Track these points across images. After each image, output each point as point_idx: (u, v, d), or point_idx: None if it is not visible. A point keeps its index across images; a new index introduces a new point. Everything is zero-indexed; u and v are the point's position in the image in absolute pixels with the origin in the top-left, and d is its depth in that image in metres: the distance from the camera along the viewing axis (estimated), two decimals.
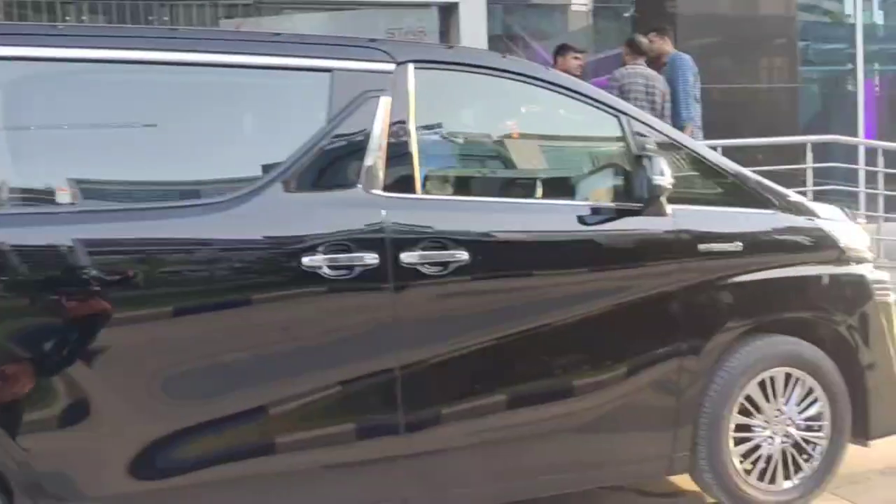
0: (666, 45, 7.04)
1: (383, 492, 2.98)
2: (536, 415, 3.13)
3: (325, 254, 2.80)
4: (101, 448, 2.63)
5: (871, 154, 8.52)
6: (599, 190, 3.29)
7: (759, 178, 3.59)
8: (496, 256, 3.06)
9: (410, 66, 3.05)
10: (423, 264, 2.91)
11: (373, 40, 3.08)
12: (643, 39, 6.83)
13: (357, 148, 2.93)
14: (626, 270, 3.25)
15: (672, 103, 6.90)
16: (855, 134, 9.59)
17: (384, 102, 2.98)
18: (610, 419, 3.24)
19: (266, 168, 2.87)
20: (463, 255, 2.95)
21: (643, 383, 3.26)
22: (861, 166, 7.73)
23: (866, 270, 3.64)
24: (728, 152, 7.16)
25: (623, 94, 6.55)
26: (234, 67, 2.94)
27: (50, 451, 2.59)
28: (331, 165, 2.93)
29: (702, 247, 3.31)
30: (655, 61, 7.16)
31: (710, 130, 7.40)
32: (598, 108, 3.29)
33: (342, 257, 2.81)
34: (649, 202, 3.18)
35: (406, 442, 2.94)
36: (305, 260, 2.78)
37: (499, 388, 3.09)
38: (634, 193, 3.17)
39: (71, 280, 2.59)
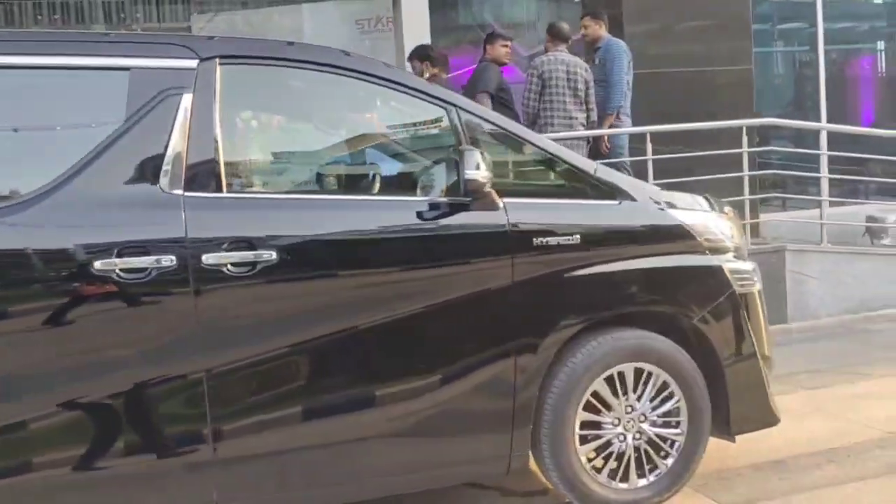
0: (600, 30, 6.90)
1: (191, 499, 2.92)
2: (358, 418, 3.04)
3: (118, 257, 2.73)
4: None
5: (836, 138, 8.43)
6: (430, 184, 3.20)
7: (609, 169, 3.48)
8: (309, 256, 2.97)
9: (216, 62, 2.97)
10: (226, 265, 2.84)
11: (181, 36, 3.01)
12: (564, 25, 6.70)
13: (156, 147, 2.85)
14: (454, 267, 3.14)
15: (605, 89, 6.78)
16: (817, 116, 9.40)
17: (185, 100, 2.90)
18: (441, 421, 3.14)
19: (59, 170, 2.81)
20: (271, 255, 2.87)
21: (475, 383, 3.16)
22: (802, 150, 7.54)
23: (724, 261, 3.52)
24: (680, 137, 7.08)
25: (543, 81, 6.43)
26: (31, 69, 2.88)
27: None
28: (127, 166, 2.85)
29: (536, 240, 3.21)
30: (589, 46, 7.03)
31: (661, 117, 7.27)
32: (428, 101, 3.20)
33: (135, 260, 2.74)
34: (475, 196, 3.08)
35: (214, 449, 2.87)
36: (98, 264, 2.71)
37: (318, 392, 3.01)
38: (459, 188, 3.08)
39: None
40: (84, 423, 2.79)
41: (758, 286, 3.64)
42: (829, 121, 9.36)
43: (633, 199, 3.41)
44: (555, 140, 6.25)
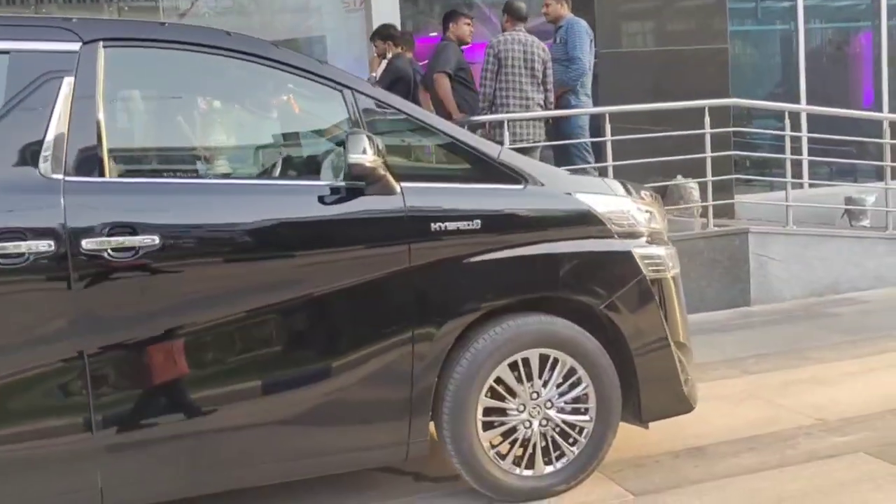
0: (562, 9, 6.80)
1: (77, 485, 2.90)
2: (251, 404, 3.01)
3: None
4: None
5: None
6: (325, 168, 3.16)
7: (512, 153, 3.42)
8: (194, 240, 2.94)
9: (100, 45, 2.93)
10: (107, 250, 2.81)
11: (64, 19, 2.96)
12: (521, 4, 6.59)
13: (35, 131, 2.82)
14: (349, 251, 3.11)
15: (565, 66, 6.68)
16: (797, 96, 9.27)
17: (67, 83, 2.86)
18: (337, 407, 3.11)
19: None
20: (153, 240, 2.85)
21: (372, 370, 3.12)
22: (760, 130, 7.39)
23: (635, 246, 3.45)
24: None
25: (500, 61, 6.35)
26: None
27: None
28: (5, 150, 2.82)
29: (435, 226, 3.16)
30: (553, 24, 6.93)
31: (633, 97, 7.17)
32: (320, 83, 3.15)
33: (12, 245, 2.72)
34: (368, 180, 3.04)
35: (97, 436, 2.85)
36: None
37: (206, 379, 2.99)
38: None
39: None
40: None
41: (673, 272, 3.57)
42: (810, 102, 9.24)
43: (539, 184, 3.35)
44: (512, 120, 6.31)
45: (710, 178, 6.82)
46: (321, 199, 3.06)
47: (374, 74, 7.52)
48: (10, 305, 2.77)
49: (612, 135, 6.51)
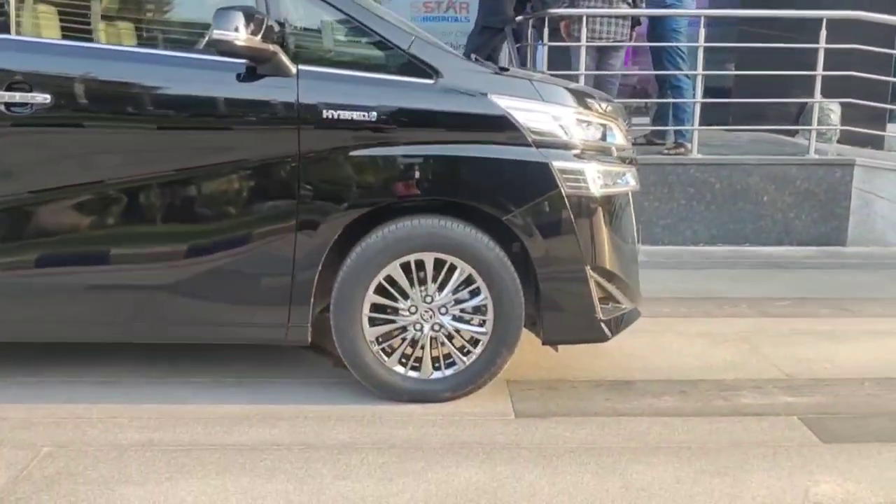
0: None
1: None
2: (144, 268, 3.19)
3: None
4: None
5: None
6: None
7: (430, 46, 3.22)
8: (83, 102, 3.07)
9: None
10: (4, 103, 3.00)
11: None
12: None
13: None
14: (235, 128, 3.14)
15: None
16: None
17: None
18: (224, 281, 3.21)
19: None
20: (45, 98, 3.01)
21: (256, 250, 3.18)
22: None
23: (555, 158, 3.20)
24: None
25: None
26: None
27: None
28: None
29: (327, 113, 3.09)
30: None
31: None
32: None
33: None
34: (258, 59, 3.01)
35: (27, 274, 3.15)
36: None
37: (100, 238, 3.18)
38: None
39: None
40: None
41: (601, 191, 3.27)
42: None
43: (451, 80, 3.17)
44: (590, 16, 5.91)
45: (818, 99, 6.09)
46: (211, 74, 3.07)
47: None
48: None
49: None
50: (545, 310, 3.31)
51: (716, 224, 6.04)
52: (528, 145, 3.19)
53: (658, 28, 6.29)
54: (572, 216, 3.23)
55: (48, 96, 3.00)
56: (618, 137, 3.46)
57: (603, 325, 3.36)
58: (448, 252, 3.23)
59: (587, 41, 5.86)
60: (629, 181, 3.49)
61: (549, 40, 6.37)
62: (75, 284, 3.19)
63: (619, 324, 3.46)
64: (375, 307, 3.26)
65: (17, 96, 2.99)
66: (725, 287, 5.16)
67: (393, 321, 3.29)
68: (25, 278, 3.17)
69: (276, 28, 3.04)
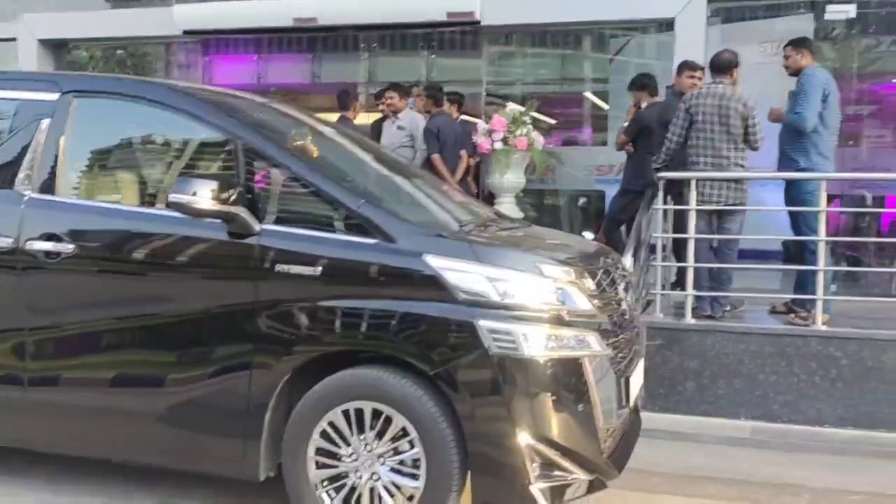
0: (802, 59, 5.90)
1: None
2: (126, 396, 3.64)
3: None
4: None
5: None
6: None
7: (374, 208, 3.45)
8: (95, 250, 3.66)
9: (71, 96, 3.82)
10: (40, 251, 3.68)
11: (53, 74, 3.90)
12: (725, 54, 5.87)
13: (19, 158, 3.82)
14: (212, 279, 3.53)
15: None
16: None
17: (45, 124, 3.81)
18: (188, 413, 3.56)
19: None
20: (70, 247, 3.65)
21: (216, 388, 3.50)
22: None
23: (483, 317, 3.23)
24: None
25: (690, 116, 5.81)
26: None
27: None
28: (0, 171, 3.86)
29: (279, 267, 3.42)
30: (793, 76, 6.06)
31: None
32: (221, 131, 3.65)
33: None
34: (225, 219, 3.44)
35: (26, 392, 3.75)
36: None
37: (97, 364, 3.69)
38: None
39: None
40: None
41: (541, 353, 3.23)
42: None
43: (391, 241, 3.37)
44: (700, 180, 5.76)
45: None
46: (193, 229, 3.54)
47: (624, 124, 7.35)
48: None
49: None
50: (473, 470, 3.28)
51: (843, 404, 5.42)
52: (455, 303, 3.28)
53: (791, 190, 5.97)
54: (500, 377, 3.23)
55: (72, 246, 3.65)
56: (576, 301, 3.42)
57: (536, 492, 3.25)
58: (385, 403, 3.34)
59: (697, 204, 5.71)
60: (590, 345, 3.41)
61: (675, 203, 6.28)
62: (77, 404, 3.71)
63: (562, 494, 3.31)
64: (320, 451, 3.43)
65: (50, 245, 3.66)
66: (813, 474, 4.61)
67: (335, 466, 3.42)
68: (48, 395, 3.75)
69: (242, 191, 3.47)
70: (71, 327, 3.71)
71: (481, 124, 7.87)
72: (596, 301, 3.56)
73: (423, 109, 8.08)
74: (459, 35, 9.85)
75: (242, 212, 3.46)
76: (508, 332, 3.25)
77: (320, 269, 3.40)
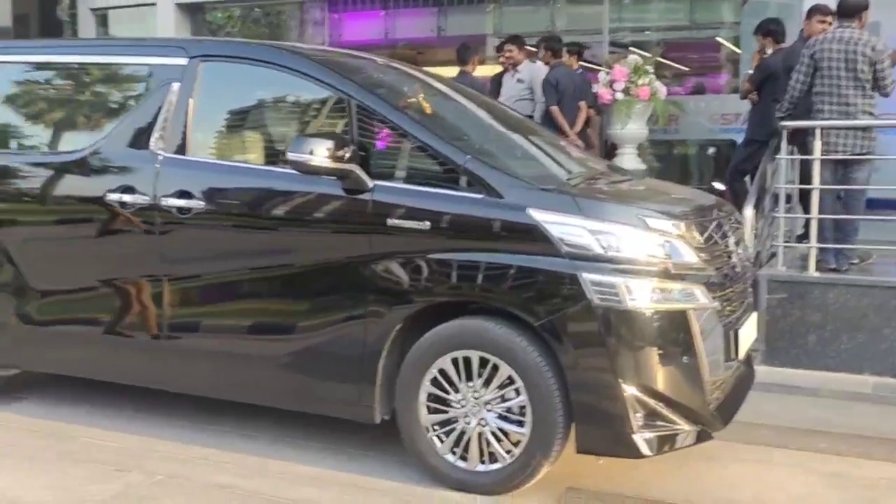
0: None
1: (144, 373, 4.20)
2: (253, 343, 3.90)
3: (120, 192, 4.07)
4: None
5: None
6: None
7: (481, 163, 3.54)
8: (224, 206, 3.91)
9: (198, 60, 4.06)
10: (174, 207, 3.97)
11: (182, 40, 4.14)
12: None
13: (152, 120, 4.09)
14: (329, 233, 3.72)
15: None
16: None
17: (175, 87, 4.07)
18: (309, 359, 3.79)
19: (97, 135, 4.26)
20: (200, 203, 3.91)
21: (333, 334, 3.71)
22: None
23: (585, 270, 3.30)
24: None
25: (815, 63, 5.56)
26: (94, 66, 4.43)
27: None
28: (135, 132, 4.14)
29: (390, 221, 3.57)
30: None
31: None
32: (334, 91, 3.82)
33: (127, 196, 4.05)
34: (338, 175, 3.61)
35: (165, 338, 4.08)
36: (108, 196, 4.09)
37: (226, 313, 3.97)
38: None
39: None
40: (99, 299, 4.23)
41: (644, 306, 3.28)
42: None
43: (497, 195, 3.45)
44: (825, 129, 5.55)
45: None
46: (311, 186, 3.73)
47: (749, 71, 7.10)
48: (125, 235, 4.10)
49: None
50: (576, 419, 3.38)
51: None
52: (561, 256, 3.36)
53: None
54: (603, 328, 3.30)
55: (203, 203, 3.91)
56: (683, 254, 3.44)
57: (640, 441, 3.32)
58: (491, 352, 3.47)
59: (822, 154, 5.51)
60: (696, 298, 3.42)
61: (800, 152, 6.07)
62: (208, 350, 4.01)
63: (666, 443, 3.37)
64: (431, 397, 3.60)
65: (183, 202, 3.93)
66: None
67: (445, 411, 3.59)
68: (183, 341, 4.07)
69: (355, 149, 3.62)
70: (201, 278, 4.00)
71: (602, 74, 7.80)
72: (704, 254, 3.56)
73: (543, 61, 8.05)
74: None
75: (356, 169, 3.62)
76: (612, 285, 3.31)
77: (428, 223, 3.53)
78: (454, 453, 3.59)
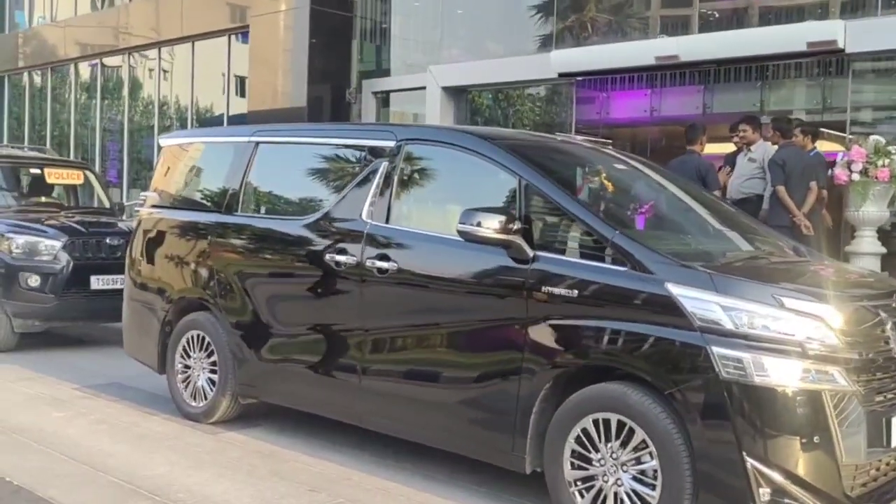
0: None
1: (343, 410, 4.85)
2: (432, 388, 4.42)
3: (335, 253, 4.82)
4: None
5: None
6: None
7: (628, 239, 3.83)
8: (414, 269, 4.50)
9: (404, 143, 4.72)
10: (374, 267, 4.63)
11: (386, 124, 4.81)
12: None
13: (364, 193, 4.80)
14: (493, 297, 4.17)
15: None
16: None
17: (384, 166, 4.76)
18: (474, 407, 4.24)
19: (324, 204, 5.05)
20: (395, 265, 4.54)
21: (492, 387, 4.15)
22: None
23: (716, 344, 3.46)
24: None
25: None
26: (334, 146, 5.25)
27: None
28: (351, 203, 4.86)
29: (545, 288, 3.95)
30: None
31: None
32: (510, 173, 4.28)
33: (341, 257, 4.78)
34: (504, 245, 4.05)
35: (360, 380, 4.71)
36: (326, 257, 4.86)
37: (408, 361, 4.55)
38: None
39: None
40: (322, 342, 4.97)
41: (775, 383, 3.37)
42: None
43: (641, 269, 3.72)
44: None
45: None
46: (485, 255, 4.18)
47: None
48: (338, 292, 4.83)
49: None
50: (699, 487, 3.51)
51: None
52: (691, 329, 3.55)
53: None
54: (729, 401, 3.43)
55: (396, 264, 4.53)
56: (820, 335, 3.49)
57: None
58: (628, 416, 3.71)
59: None
60: (834, 379, 3.45)
61: None
62: (401, 395, 4.57)
63: None
64: (575, 454, 3.88)
65: (385, 265, 4.58)
66: None
67: (587, 468, 3.85)
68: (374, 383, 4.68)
69: (521, 222, 4.06)
70: (392, 330, 4.61)
71: (840, 155, 7.63)
72: (849, 337, 3.57)
73: (771, 141, 8.01)
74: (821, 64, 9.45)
75: (518, 240, 4.05)
76: (739, 360, 3.45)
77: (576, 291, 3.88)
78: None
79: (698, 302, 3.58)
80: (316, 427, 5.38)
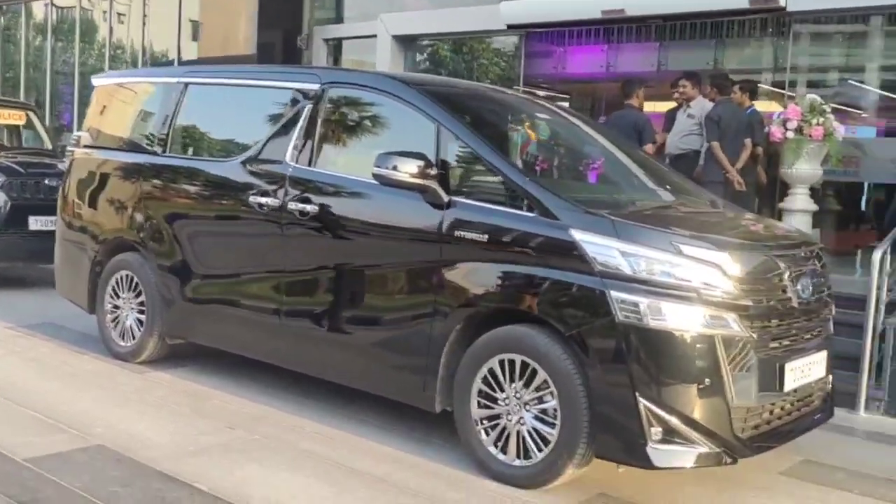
0: None
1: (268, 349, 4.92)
2: (346, 329, 4.49)
3: (259, 196, 4.84)
4: None
5: None
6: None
7: (539, 186, 3.91)
8: (334, 212, 4.54)
9: (328, 86, 4.73)
10: (295, 210, 4.66)
11: (311, 67, 4.82)
12: None
13: (289, 136, 4.81)
14: (409, 241, 4.23)
15: None
16: None
17: (308, 109, 4.77)
18: (387, 348, 4.34)
19: (250, 146, 5.05)
20: (315, 208, 4.57)
21: (404, 331, 4.25)
22: None
23: (614, 288, 3.56)
24: None
25: None
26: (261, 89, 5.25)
27: None
28: (276, 146, 4.88)
29: (457, 233, 4.02)
30: None
31: None
32: (428, 118, 4.31)
33: (263, 199, 4.80)
34: (419, 189, 4.10)
35: (281, 321, 4.78)
36: (250, 199, 4.87)
37: (323, 302, 4.62)
38: None
39: None
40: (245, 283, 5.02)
41: (667, 325, 3.49)
42: None
43: (548, 215, 3.80)
44: None
45: None
46: (400, 197, 4.24)
47: None
48: (264, 230, 4.85)
49: None
50: (594, 425, 3.63)
51: None
52: (591, 273, 3.65)
53: None
54: (625, 344, 3.55)
55: (316, 207, 4.57)
56: (716, 281, 3.60)
57: (652, 452, 3.52)
58: (531, 357, 3.82)
59: None
60: (727, 325, 3.58)
61: None
62: (317, 336, 4.64)
63: (680, 459, 3.56)
64: (482, 393, 3.98)
65: (306, 207, 4.61)
66: None
67: (492, 407, 3.96)
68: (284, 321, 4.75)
69: (437, 168, 4.10)
70: (311, 272, 4.67)
71: (776, 113, 7.73)
72: (745, 285, 3.69)
73: (708, 97, 8.09)
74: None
75: (434, 184, 4.10)
76: (635, 304, 3.55)
77: (487, 236, 3.95)
78: (496, 447, 3.95)
79: (599, 247, 3.67)
80: (243, 368, 5.43)
